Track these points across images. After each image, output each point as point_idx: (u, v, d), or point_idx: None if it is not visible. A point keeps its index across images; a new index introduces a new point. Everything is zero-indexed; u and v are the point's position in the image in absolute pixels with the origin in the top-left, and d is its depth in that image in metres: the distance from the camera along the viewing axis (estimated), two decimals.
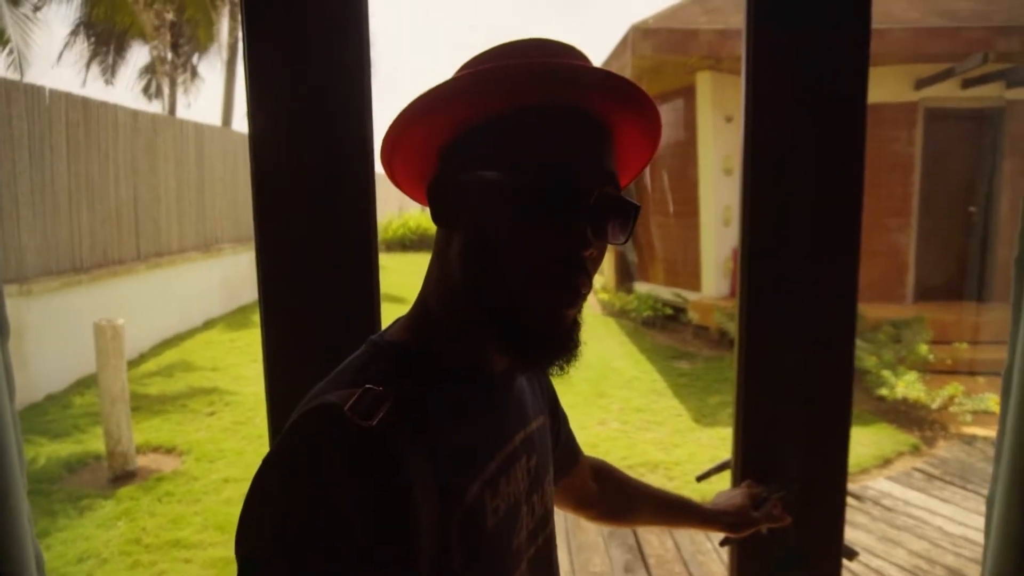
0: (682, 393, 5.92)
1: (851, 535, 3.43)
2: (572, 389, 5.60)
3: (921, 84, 6.95)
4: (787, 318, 1.13)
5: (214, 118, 13.34)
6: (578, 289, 0.61)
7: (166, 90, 13.60)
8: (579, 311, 0.64)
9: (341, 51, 1.03)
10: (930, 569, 3.13)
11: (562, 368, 0.63)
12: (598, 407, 5.55)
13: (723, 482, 1.24)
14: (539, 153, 0.60)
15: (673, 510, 1.06)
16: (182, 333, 7.77)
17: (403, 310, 0.73)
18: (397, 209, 17.81)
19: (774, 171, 1.13)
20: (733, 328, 7.39)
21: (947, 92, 6.82)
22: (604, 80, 0.60)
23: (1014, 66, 6.17)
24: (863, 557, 3.24)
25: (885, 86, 6.96)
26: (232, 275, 9.28)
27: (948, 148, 7.00)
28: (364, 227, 1.07)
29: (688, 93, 8.17)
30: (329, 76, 1.03)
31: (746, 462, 1.19)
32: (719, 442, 4.88)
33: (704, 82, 7.78)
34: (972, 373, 5.48)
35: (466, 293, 0.63)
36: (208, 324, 8.32)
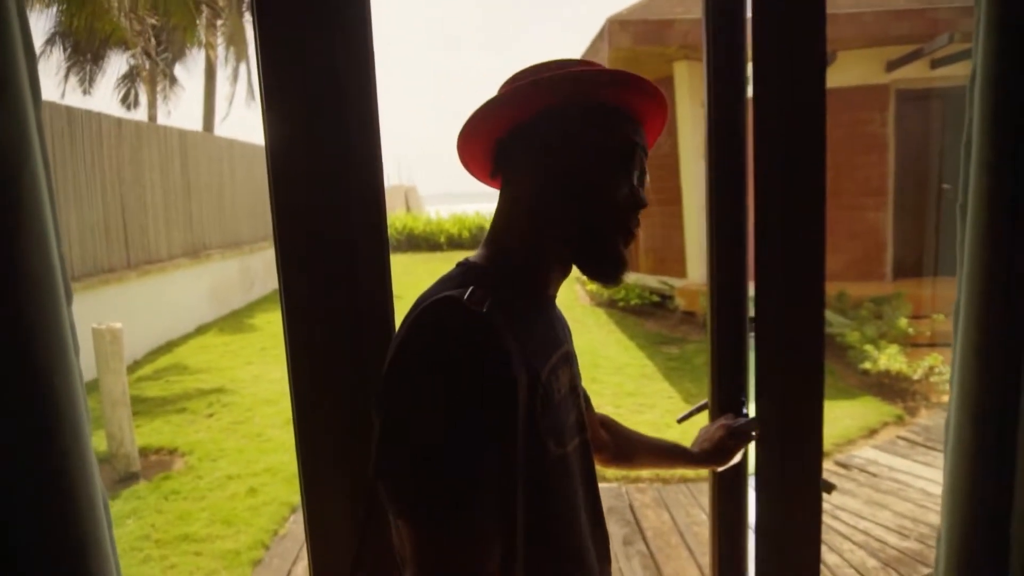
0: (672, 376, 6.05)
1: (839, 500, 3.58)
2: None
3: (892, 66, 7.13)
4: (752, 267, 1.25)
5: (194, 124, 13.32)
6: (635, 232, 0.86)
7: (145, 98, 13.55)
8: None
9: (346, 49, 1.13)
10: (914, 528, 3.27)
11: (619, 280, 0.87)
12: (591, 392, 5.53)
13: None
14: (616, 131, 0.83)
15: (667, 455, 1.26)
16: (175, 339, 7.81)
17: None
18: None
19: (737, 154, 1.25)
20: None
21: (917, 73, 6.99)
22: (641, 83, 0.83)
23: None
24: (851, 520, 3.38)
25: (857, 69, 7.13)
26: (222, 280, 9.32)
27: (920, 128, 7.18)
28: (375, 218, 1.18)
29: (667, 83, 8.30)
30: (336, 74, 1.13)
31: (720, 403, 1.36)
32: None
33: (682, 71, 7.92)
34: (950, 344, 5.65)
35: (549, 225, 0.83)
36: (200, 329, 8.37)
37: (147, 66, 12.91)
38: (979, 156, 1.01)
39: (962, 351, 1.11)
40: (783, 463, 1.29)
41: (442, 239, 16.55)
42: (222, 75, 14.30)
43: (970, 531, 1.19)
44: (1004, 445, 1.13)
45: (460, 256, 0.89)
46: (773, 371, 1.27)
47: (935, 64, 6.88)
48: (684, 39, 7.21)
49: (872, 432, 4.57)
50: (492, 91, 0.86)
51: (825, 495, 1.33)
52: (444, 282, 0.81)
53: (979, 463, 1.12)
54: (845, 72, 7.08)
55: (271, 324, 8.59)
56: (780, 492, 1.30)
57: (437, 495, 0.67)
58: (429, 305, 0.72)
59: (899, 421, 4.76)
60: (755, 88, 1.21)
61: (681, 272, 8.47)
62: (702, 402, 1.41)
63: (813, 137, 1.21)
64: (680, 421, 1.42)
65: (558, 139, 0.82)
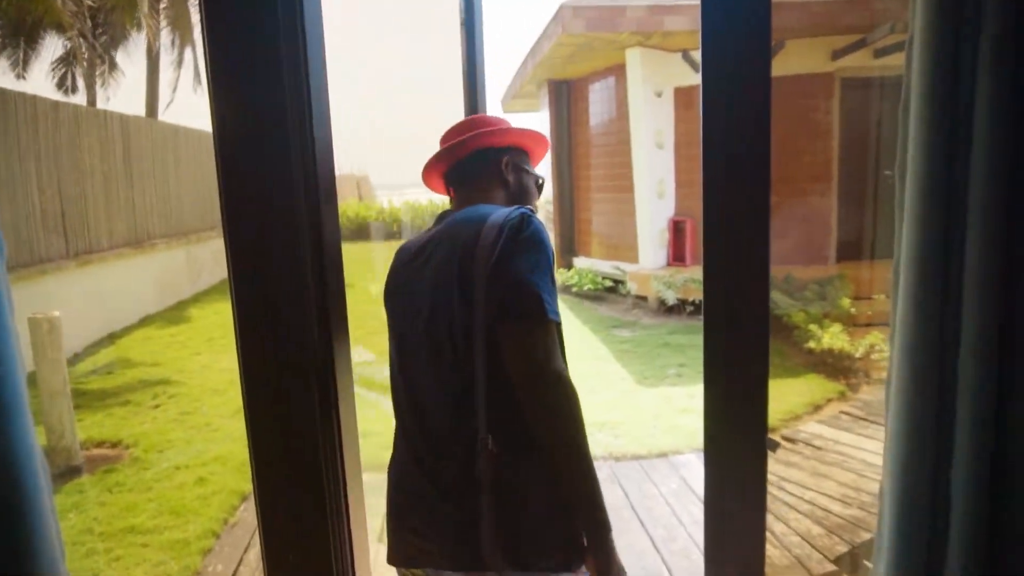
0: (624, 359, 6.13)
1: (785, 472, 3.68)
2: None
3: (837, 55, 7.31)
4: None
5: (135, 111, 12.84)
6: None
7: (82, 82, 13.00)
8: None
9: (297, 35, 1.11)
10: (856, 496, 3.39)
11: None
12: None
13: None
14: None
15: None
16: (118, 331, 7.56)
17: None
18: None
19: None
20: (671, 296, 7.65)
21: (861, 62, 7.19)
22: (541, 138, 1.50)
23: None
24: (797, 491, 3.48)
25: (805, 58, 7.29)
26: (167, 271, 9.05)
27: (864, 115, 7.39)
28: (327, 206, 1.17)
29: (619, 70, 8.35)
30: (287, 60, 1.11)
31: None
32: (662, 401, 5.10)
33: (634, 58, 7.97)
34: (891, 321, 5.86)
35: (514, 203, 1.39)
36: (145, 321, 8.11)
37: (84, 49, 12.39)
38: (917, 111, 1.04)
39: (902, 300, 1.14)
40: (729, 430, 1.31)
41: (395, 228, 16.45)
42: (166, 60, 13.83)
43: (912, 484, 1.22)
44: (944, 397, 1.16)
45: None
46: (719, 341, 1.29)
47: (878, 53, 7.08)
48: (637, 25, 7.26)
49: (817, 408, 4.71)
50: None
51: (770, 453, 1.37)
52: (498, 209, 1.26)
53: (920, 416, 1.15)
54: (792, 60, 7.24)
55: (219, 314, 8.38)
56: (725, 450, 1.33)
57: (551, 303, 1.17)
58: (522, 213, 1.22)
59: (842, 397, 4.92)
60: (703, 74, 1.22)
61: (633, 258, 8.57)
62: None
63: (758, 122, 1.22)
64: None
65: (515, 164, 1.44)
